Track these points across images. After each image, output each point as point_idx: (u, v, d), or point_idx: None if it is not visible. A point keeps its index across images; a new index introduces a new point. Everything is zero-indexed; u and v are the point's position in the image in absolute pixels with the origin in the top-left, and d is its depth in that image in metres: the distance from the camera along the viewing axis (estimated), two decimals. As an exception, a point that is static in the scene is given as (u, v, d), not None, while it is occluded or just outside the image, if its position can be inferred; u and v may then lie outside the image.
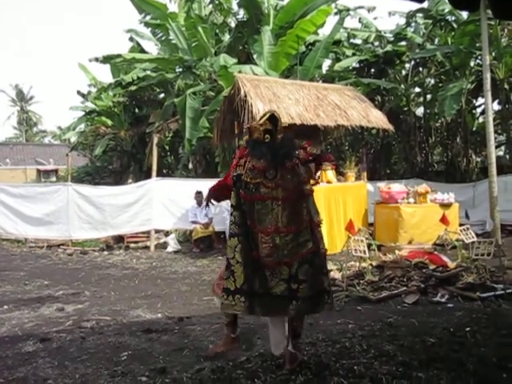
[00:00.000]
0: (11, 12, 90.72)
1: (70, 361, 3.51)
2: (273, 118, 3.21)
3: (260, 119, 3.27)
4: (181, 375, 3.12)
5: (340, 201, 8.92)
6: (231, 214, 3.19)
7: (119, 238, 10.60)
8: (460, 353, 3.36)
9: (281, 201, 3.08)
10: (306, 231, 3.10)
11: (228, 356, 3.45)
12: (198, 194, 9.67)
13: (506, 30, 12.12)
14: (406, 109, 14.65)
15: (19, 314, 5.09)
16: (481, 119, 14.47)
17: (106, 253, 9.69)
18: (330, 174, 8.94)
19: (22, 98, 47.16)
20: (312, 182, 3.31)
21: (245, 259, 3.07)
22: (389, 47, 13.57)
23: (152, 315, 4.91)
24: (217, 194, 3.65)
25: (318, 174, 3.54)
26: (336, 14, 13.89)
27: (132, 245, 10.42)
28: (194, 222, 9.78)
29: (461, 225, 8.08)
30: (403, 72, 14.81)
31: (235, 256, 3.09)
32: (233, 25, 14.51)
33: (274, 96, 8.62)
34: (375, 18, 15.70)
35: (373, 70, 14.17)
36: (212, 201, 3.73)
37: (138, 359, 3.49)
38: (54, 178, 26.35)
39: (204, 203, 3.69)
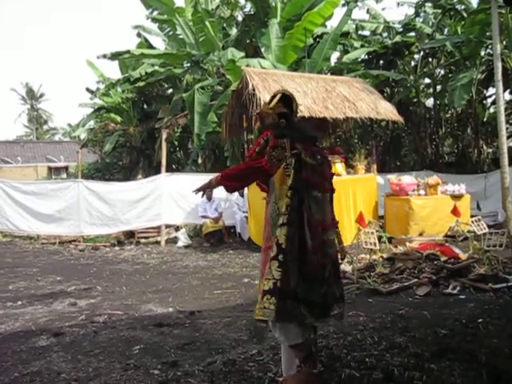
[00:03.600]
0: (19, 10, 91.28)
1: (83, 355, 3.55)
2: (286, 99, 2.80)
3: (269, 102, 2.82)
4: (192, 368, 3.14)
5: (350, 193, 8.88)
6: (290, 198, 2.58)
7: (130, 234, 10.68)
8: (472, 344, 3.33)
9: (322, 191, 2.69)
10: (333, 230, 2.76)
11: (239, 349, 3.46)
12: (208, 188, 9.69)
13: (516, 19, 11.91)
14: (415, 100, 14.52)
15: (33, 309, 5.16)
16: (492, 109, 14.28)
17: (117, 248, 9.78)
18: (339, 166, 8.90)
19: (32, 96, 47.49)
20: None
21: (297, 254, 2.54)
22: (397, 38, 13.44)
23: (163, 309, 4.94)
24: (235, 184, 2.81)
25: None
26: (344, 5, 13.76)
27: (143, 240, 10.50)
28: (203, 217, 9.81)
29: (472, 216, 8.01)
30: (412, 63, 14.66)
31: (289, 249, 2.52)
32: (240, 18, 14.47)
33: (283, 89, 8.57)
34: (383, 9, 15.67)
35: (381, 62, 14.04)
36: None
37: (150, 353, 3.52)
38: (64, 175, 26.56)
39: (204, 196, 2.94)
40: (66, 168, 27.76)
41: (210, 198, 9.82)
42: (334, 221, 2.82)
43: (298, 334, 2.59)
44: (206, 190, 2.97)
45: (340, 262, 2.83)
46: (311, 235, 2.57)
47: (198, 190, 2.98)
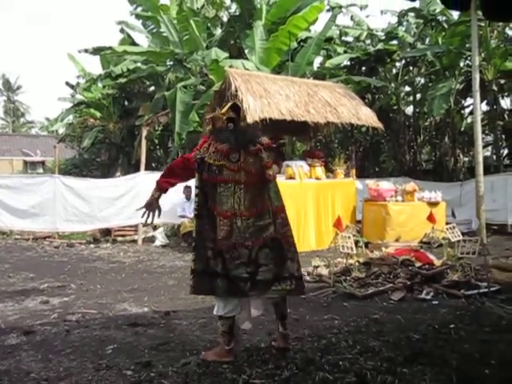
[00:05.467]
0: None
1: (54, 354, 3.48)
2: (235, 108, 3.34)
3: (222, 108, 3.36)
4: (166, 369, 3.11)
5: (328, 197, 8.95)
6: (196, 195, 3.24)
7: (106, 231, 10.53)
8: (444, 349, 3.39)
9: (243, 184, 3.16)
10: (267, 215, 3.20)
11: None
12: (187, 188, 9.63)
13: (495, 32, 12.23)
14: (395, 107, 14.75)
15: (3, 306, 5.03)
16: (469, 119, 14.62)
17: (92, 246, 9.62)
18: (319, 170, 8.97)
19: (8, 87, 46.50)
20: (275, 167, 3.40)
21: (207, 241, 3.12)
22: (380, 45, 13.64)
23: (138, 309, 4.88)
24: (168, 180, 3.39)
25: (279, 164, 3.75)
26: (328, 10, 13.90)
27: (119, 238, 10.37)
28: (182, 217, 9.74)
29: (447, 223, 8.15)
30: (394, 71, 14.90)
31: (198, 237, 3.19)
32: (225, 19, 14.46)
33: (265, 91, 8.60)
34: (367, 16, 15.78)
35: (364, 68, 14.22)
36: (159, 194, 3.44)
37: (124, 353, 3.47)
38: (40, 170, 26.09)
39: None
40: (43, 163, 27.25)
41: (188, 198, 9.77)
42: (268, 208, 3.22)
43: (224, 308, 3.15)
44: (154, 203, 3.44)
45: (284, 244, 3.23)
46: (219, 224, 3.10)
47: (145, 207, 3.45)
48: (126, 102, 16.15)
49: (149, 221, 3.50)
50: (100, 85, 15.25)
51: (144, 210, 3.46)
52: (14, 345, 3.71)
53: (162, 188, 3.42)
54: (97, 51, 13.40)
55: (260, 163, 3.23)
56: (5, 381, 3.01)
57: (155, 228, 10.54)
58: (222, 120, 3.29)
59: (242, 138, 3.24)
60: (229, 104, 3.36)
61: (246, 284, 3.08)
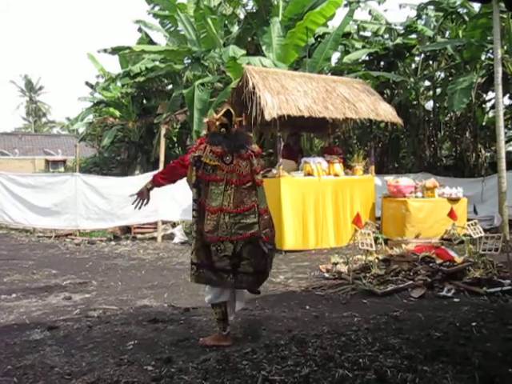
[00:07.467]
0: (20, 2, 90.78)
1: (77, 349, 3.55)
2: (228, 113, 3.62)
3: (217, 114, 3.67)
4: (186, 365, 3.14)
5: (347, 194, 8.88)
6: (195, 193, 3.56)
7: (126, 229, 10.67)
8: (466, 347, 3.34)
9: (233, 184, 3.49)
10: (253, 215, 3.50)
11: (233, 347, 3.47)
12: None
13: (518, 24, 11.93)
14: (415, 102, 14.54)
15: (27, 302, 5.15)
16: (491, 114, 14.31)
17: (113, 243, 9.76)
18: (337, 167, 8.91)
19: (30, 88, 47.39)
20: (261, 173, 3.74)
21: (197, 233, 3.48)
22: (399, 40, 13.45)
23: (158, 305, 4.94)
24: (165, 177, 3.85)
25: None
26: (346, 5, 13.77)
27: (139, 235, 10.49)
28: (200, 214, 9.80)
29: (469, 220, 8.02)
30: (413, 65, 14.68)
31: (193, 230, 3.55)
32: (242, 16, 14.46)
33: (283, 88, 8.57)
34: (385, 11, 15.90)
35: (382, 63, 14.04)
36: (153, 187, 3.88)
37: (144, 348, 3.52)
38: (62, 169, 26.53)
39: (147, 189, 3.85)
40: (64, 161, 27.71)
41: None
42: (254, 208, 3.52)
43: (214, 296, 3.52)
44: (145, 192, 3.85)
45: (263, 243, 3.51)
46: (206, 219, 3.42)
47: (137, 195, 3.86)
48: (145, 101, 16.29)
49: (137, 208, 3.86)
50: (119, 84, 15.43)
51: (136, 197, 3.85)
52: (38, 340, 3.80)
53: (157, 183, 3.85)
54: (115, 51, 13.53)
55: (250, 167, 3.57)
56: (30, 374, 3.08)
57: (174, 225, 10.63)
58: (215, 125, 3.59)
59: (234, 142, 3.55)
60: (223, 110, 3.65)
61: (228, 275, 3.42)
